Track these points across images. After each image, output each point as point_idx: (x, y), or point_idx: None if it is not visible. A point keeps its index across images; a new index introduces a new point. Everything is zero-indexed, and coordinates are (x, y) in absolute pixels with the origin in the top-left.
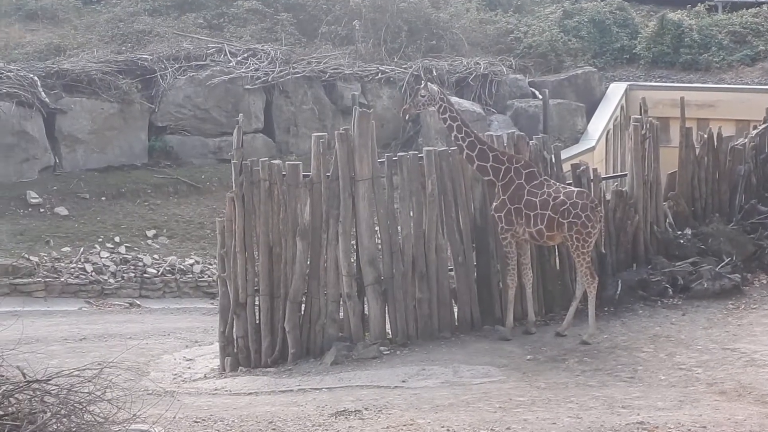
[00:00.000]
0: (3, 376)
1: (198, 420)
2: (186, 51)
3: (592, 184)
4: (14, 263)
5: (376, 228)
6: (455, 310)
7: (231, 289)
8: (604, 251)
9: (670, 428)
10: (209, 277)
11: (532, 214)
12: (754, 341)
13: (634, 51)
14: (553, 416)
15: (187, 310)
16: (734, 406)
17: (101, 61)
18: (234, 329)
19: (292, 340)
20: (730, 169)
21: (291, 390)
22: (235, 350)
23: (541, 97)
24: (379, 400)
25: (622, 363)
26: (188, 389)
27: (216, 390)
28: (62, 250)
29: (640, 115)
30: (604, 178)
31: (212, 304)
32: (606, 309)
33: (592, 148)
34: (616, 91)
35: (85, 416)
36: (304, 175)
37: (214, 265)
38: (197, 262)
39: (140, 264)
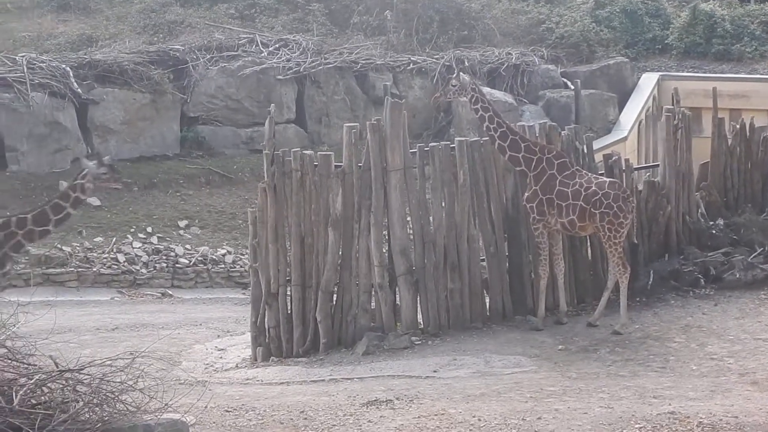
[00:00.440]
0: (36, 365)
1: (229, 409)
2: (218, 41)
3: (624, 174)
4: (47, 253)
5: (408, 218)
6: (487, 300)
7: (263, 279)
8: (636, 241)
9: (701, 418)
10: (241, 267)
11: (564, 204)
12: None
13: (666, 41)
14: (585, 406)
15: (218, 300)
16: (766, 396)
17: (133, 52)
18: (266, 319)
19: (324, 330)
20: (763, 160)
21: (322, 380)
22: (266, 340)
23: (573, 87)
24: (411, 390)
25: (654, 353)
26: (220, 379)
27: (247, 380)
28: (95, 240)
29: (673, 105)
30: (636, 169)
31: (244, 294)
32: (638, 299)
33: (624, 139)
34: (648, 81)
35: (117, 405)
36: (336, 165)
37: (246, 256)
38: (229, 253)
39: (172, 254)
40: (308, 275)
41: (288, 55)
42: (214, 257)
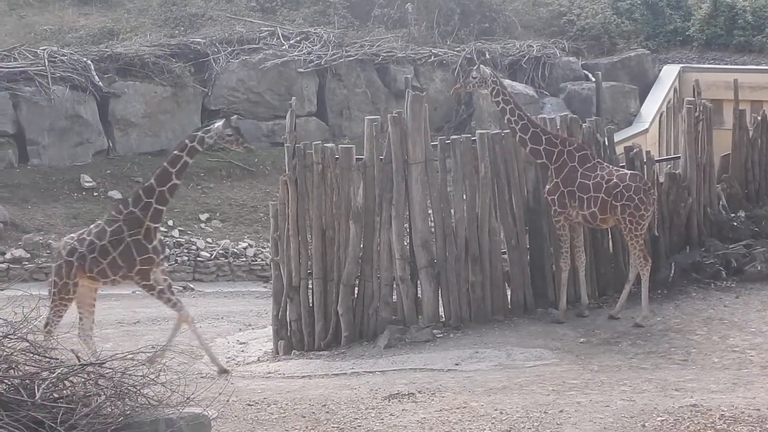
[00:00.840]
0: (58, 359)
1: (251, 403)
2: (239, 34)
3: (645, 166)
4: None
5: (429, 211)
6: (508, 293)
7: (284, 272)
8: (657, 234)
9: (723, 411)
10: (262, 260)
11: (585, 196)
12: None
13: (687, 33)
14: (606, 399)
15: (240, 293)
16: None
17: (154, 45)
18: (287, 313)
19: (345, 323)
20: None
21: (344, 373)
22: (288, 333)
23: (594, 79)
24: (433, 383)
25: (676, 346)
26: (241, 372)
27: (269, 373)
28: None
29: (694, 97)
30: (657, 161)
31: (265, 287)
32: (659, 292)
33: (646, 131)
34: (669, 73)
35: (138, 399)
36: (357, 158)
37: (268, 249)
38: (250, 246)
39: (193, 248)
40: (329, 268)
41: (309, 47)
42: (236, 250)
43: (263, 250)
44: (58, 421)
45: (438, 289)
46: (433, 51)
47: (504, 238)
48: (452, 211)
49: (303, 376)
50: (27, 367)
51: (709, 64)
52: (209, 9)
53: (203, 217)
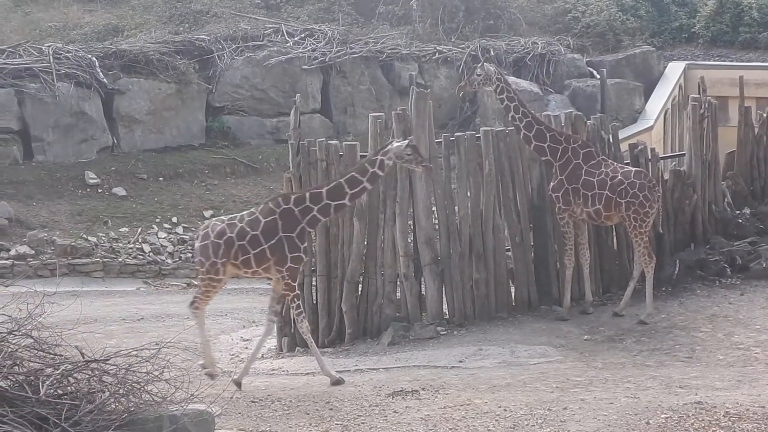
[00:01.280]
0: (62, 355)
1: (255, 400)
2: (243, 31)
3: (649, 163)
4: (73, 243)
5: (433, 208)
6: (512, 290)
7: None
8: (661, 231)
9: (727, 408)
10: None
11: (589, 194)
12: None
13: (692, 30)
14: (611, 396)
15: (244, 290)
16: None
17: (159, 42)
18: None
19: (349, 320)
20: None
21: (348, 370)
22: (292, 331)
23: (598, 76)
24: (436, 380)
25: (680, 343)
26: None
27: (273, 370)
28: (120, 230)
29: (699, 94)
30: (662, 158)
31: (269, 284)
32: (664, 289)
33: (650, 128)
34: (674, 70)
35: (142, 396)
36: (361, 155)
37: None
38: None
39: None
40: (333, 265)
41: (313, 44)
42: None
43: None
44: (62, 417)
45: (442, 287)
46: (437, 48)
47: (508, 236)
48: (456, 208)
49: (307, 373)
50: (31, 364)
51: (714, 61)
52: (214, 6)
53: (207, 214)
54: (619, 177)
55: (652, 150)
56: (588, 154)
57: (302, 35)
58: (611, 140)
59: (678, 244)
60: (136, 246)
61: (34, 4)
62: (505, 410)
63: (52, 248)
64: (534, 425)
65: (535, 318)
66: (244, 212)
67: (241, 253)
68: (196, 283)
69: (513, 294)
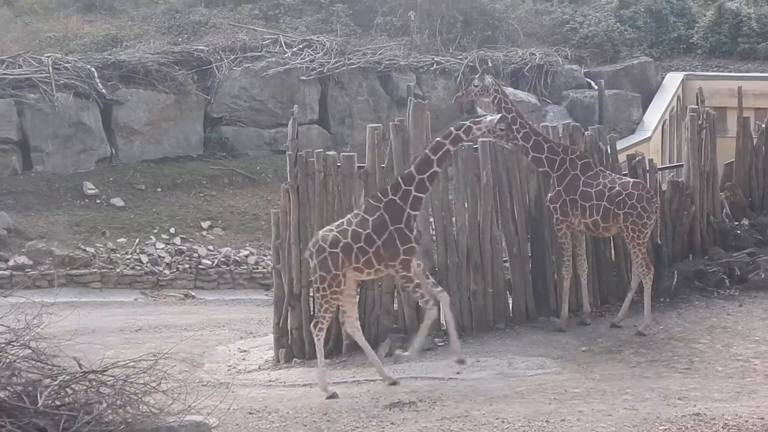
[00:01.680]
0: (60, 366)
1: (252, 411)
2: (242, 42)
3: (647, 174)
4: (71, 254)
5: (431, 219)
6: (510, 301)
7: (285, 280)
8: (660, 242)
9: (726, 420)
10: (264, 268)
11: (587, 205)
12: None
13: (691, 41)
14: (609, 408)
15: (241, 301)
16: None
17: (158, 53)
18: (288, 321)
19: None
20: None
21: (345, 381)
22: (289, 342)
23: (596, 87)
24: (434, 392)
25: (679, 354)
26: (243, 380)
27: (270, 381)
28: (118, 241)
29: (697, 105)
30: (660, 169)
31: (267, 295)
32: (662, 300)
33: (648, 139)
34: (672, 81)
35: (140, 407)
36: (358, 166)
37: (269, 257)
38: (252, 254)
39: (195, 255)
40: None
41: (311, 55)
42: (237, 258)
43: (265, 258)
44: (60, 428)
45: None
46: (435, 59)
47: (506, 247)
48: (454, 219)
49: (304, 385)
50: (29, 374)
51: (713, 71)
52: (212, 17)
53: (205, 224)
54: (617, 188)
55: (650, 161)
56: (586, 165)
57: (300, 46)
58: (609, 151)
59: (676, 255)
60: (134, 257)
61: (34, 15)
62: (503, 422)
63: (51, 259)
64: None
65: (532, 329)
66: (348, 216)
67: (361, 255)
68: (193, 294)
69: (511, 305)
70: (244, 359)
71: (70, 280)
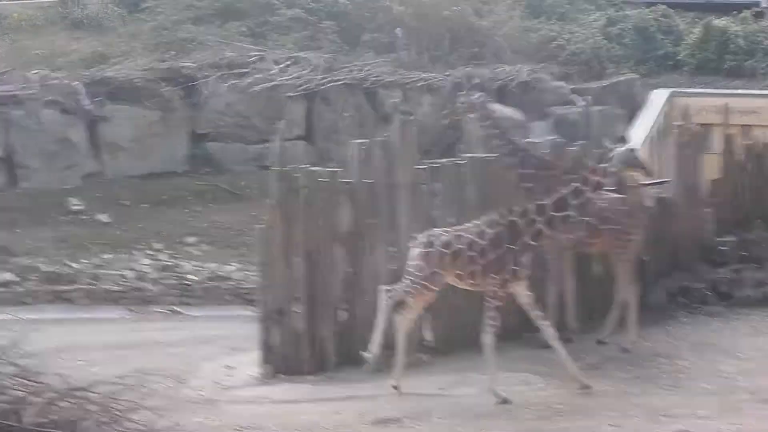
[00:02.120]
0: (45, 383)
1: (238, 428)
2: (228, 59)
3: (633, 190)
4: (56, 270)
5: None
6: None
7: (271, 296)
8: (645, 258)
9: None
10: (249, 284)
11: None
12: None
13: (678, 58)
14: (593, 424)
15: (227, 317)
16: None
17: (145, 69)
18: (274, 337)
19: (332, 347)
20: None
21: (331, 398)
22: (275, 358)
23: (583, 104)
24: (419, 408)
25: (664, 371)
26: (228, 397)
27: (256, 398)
28: (103, 257)
29: (683, 121)
30: (645, 185)
31: (252, 311)
32: (647, 316)
33: None
34: (658, 97)
35: (126, 424)
36: (344, 182)
37: (254, 273)
38: (237, 270)
39: (181, 271)
40: (316, 292)
41: (298, 72)
42: (223, 274)
43: (250, 274)
44: None
45: (425, 314)
46: (422, 75)
47: None
48: None
49: (290, 401)
50: (15, 392)
51: (699, 88)
52: (200, 34)
53: (190, 240)
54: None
55: (636, 177)
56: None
57: (287, 63)
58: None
59: (661, 272)
60: (120, 273)
61: (22, 32)
62: None
63: (36, 275)
64: None
65: (517, 345)
66: (468, 224)
67: (469, 264)
68: (179, 310)
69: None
70: (230, 375)
71: (55, 297)
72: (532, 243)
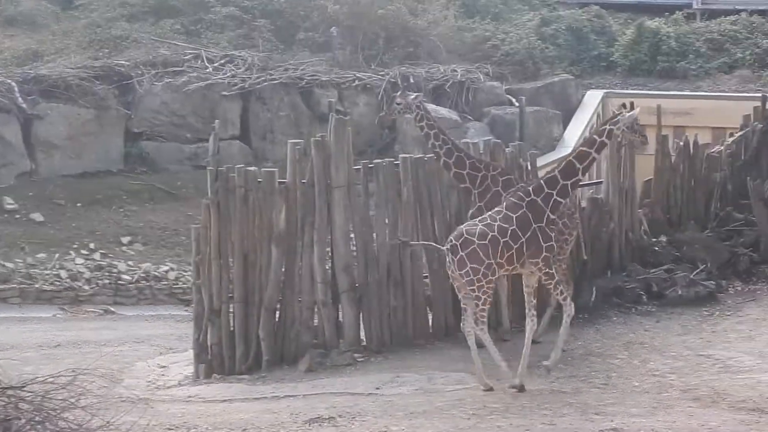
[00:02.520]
0: None
1: (171, 427)
2: (163, 57)
3: None
4: None
5: (352, 235)
6: (430, 317)
7: (205, 296)
8: (586, 257)
9: None
10: (184, 284)
11: None
12: (728, 348)
13: (611, 59)
14: (527, 423)
15: (161, 317)
16: (708, 412)
17: (78, 67)
18: (208, 336)
19: (267, 347)
20: (706, 177)
21: (265, 397)
22: (209, 357)
23: (517, 104)
24: (353, 408)
25: (596, 369)
26: (162, 396)
27: (190, 397)
28: (37, 256)
29: None
30: (580, 185)
31: (186, 311)
32: (580, 315)
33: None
34: (592, 98)
35: (59, 423)
36: (279, 181)
37: (189, 272)
38: (172, 269)
39: (115, 271)
40: (251, 292)
41: (233, 71)
42: (157, 274)
43: (185, 274)
44: None
45: (359, 313)
46: (357, 75)
47: (426, 262)
48: (375, 235)
49: (224, 400)
50: None
51: (632, 89)
52: (134, 31)
53: (125, 240)
54: None
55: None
56: (507, 182)
57: (222, 61)
58: (530, 168)
59: (595, 271)
60: (54, 272)
61: None
62: None
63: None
64: None
65: (452, 345)
66: (491, 212)
67: (506, 251)
68: (113, 309)
69: (431, 321)
70: (163, 375)
71: None
72: (553, 216)
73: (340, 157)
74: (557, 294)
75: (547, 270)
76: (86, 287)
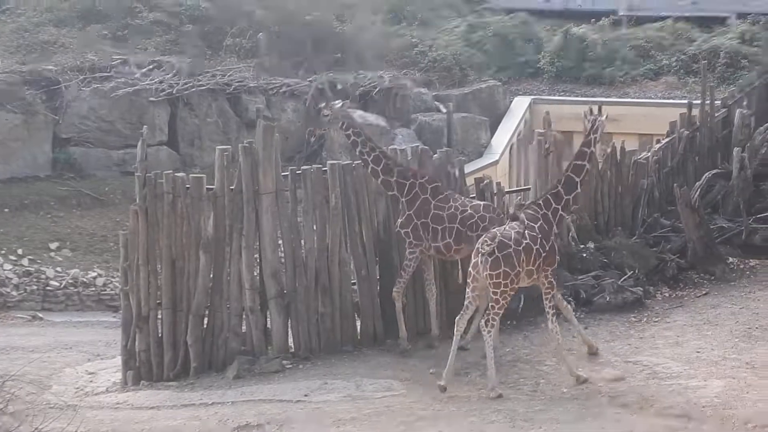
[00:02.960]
0: None
1: None
2: (91, 62)
3: (495, 197)
4: None
5: (280, 241)
6: (358, 324)
7: (133, 302)
8: None
9: None
10: (112, 290)
11: (439, 228)
12: (655, 354)
13: (538, 65)
14: (456, 430)
15: (89, 323)
16: (636, 419)
17: (5, 72)
18: (136, 343)
19: (195, 353)
20: (633, 183)
21: (193, 404)
22: (137, 364)
23: (445, 110)
24: (281, 414)
25: (525, 376)
26: (90, 403)
27: (118, 404)
28: None
29: (544, 128)
30: (507, 192)
31: (115, 317)
32: (508, 322)
33: (496, 162)
34: (520, 105)
35: None
36: (207, 188)
37: (117, 278)
38: (100, 275)
39: (43, 276)
40: (179, 298)
41: (161, 76)
42: (85, 280)
43: (113, 280)
44: None
45: (287, 320)
46: (284, 81)
47: (354, 269)
48: (302, 241)
49: (152, 407)
50: None
51: (559, 96)
52: (61, 36)
53: (53, 245)
54: (469, 210)
55: (498, 184)
56: (435, 189)
57: (150, 67)
58: (457, 174)
59: None
60: None
61: None
62: None
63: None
64: None
65: (380, 352)
66: (513, 222)
67: (536, 258)
68: (40, 315)
69: (359, 327)
70: (91, 381)
71: None
72: (557, 231)
73: (268, 163)
74: (557, 302)
75: (552, 280)
76: (14, 293)
